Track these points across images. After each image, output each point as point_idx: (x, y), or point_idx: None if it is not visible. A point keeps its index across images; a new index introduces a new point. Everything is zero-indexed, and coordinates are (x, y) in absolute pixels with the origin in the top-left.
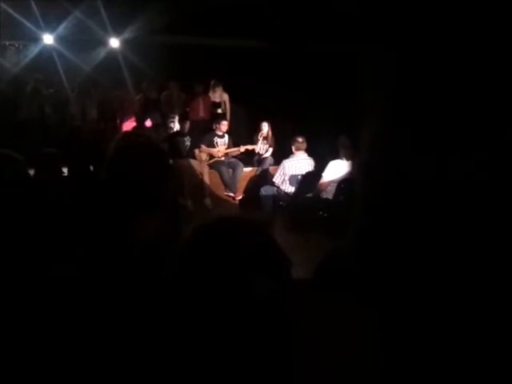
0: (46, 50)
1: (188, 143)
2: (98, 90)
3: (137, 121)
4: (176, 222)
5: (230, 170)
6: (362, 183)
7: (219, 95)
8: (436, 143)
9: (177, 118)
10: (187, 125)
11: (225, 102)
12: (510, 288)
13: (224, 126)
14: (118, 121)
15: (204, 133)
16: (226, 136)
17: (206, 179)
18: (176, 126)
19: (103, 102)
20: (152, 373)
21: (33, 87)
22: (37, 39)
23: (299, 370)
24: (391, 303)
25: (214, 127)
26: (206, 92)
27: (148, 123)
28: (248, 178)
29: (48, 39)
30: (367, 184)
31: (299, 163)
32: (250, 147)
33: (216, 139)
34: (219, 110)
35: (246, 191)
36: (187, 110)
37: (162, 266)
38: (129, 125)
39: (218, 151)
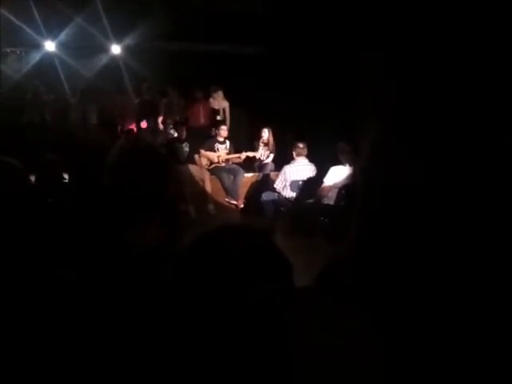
0: (48, 56)
1: (187, 149)
2: (98, 95)
3: (136, 125)
4: (176, 226)
5: (231, 177)
6: (361, 190)
7: (218, 102)
8: (435, 149)
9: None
10: (185, 131)
11: (224, 110)
12: (509, 298)
13: (223, 131)
14: (120, 127)
15: (204, 139)
16: (227, 142)
17: (208, 185)
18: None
19: (103, 107)
20: (151, 376)
21: (32, 93)
22: (38, 46)
23: (298, 373)
24: (392, 307)
25: (214, 133)
26: (206, 98)
27: (143, 124)
28: (249, 184)
29: (49, 46)
30: (366, 190)
31: (300, 169)
32: (250, 154)
33: (217, 145)
34: (218, 117)
35: (247, 197)
36: (187, 116)
37: (161, 270)
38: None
39: (219, 156)
